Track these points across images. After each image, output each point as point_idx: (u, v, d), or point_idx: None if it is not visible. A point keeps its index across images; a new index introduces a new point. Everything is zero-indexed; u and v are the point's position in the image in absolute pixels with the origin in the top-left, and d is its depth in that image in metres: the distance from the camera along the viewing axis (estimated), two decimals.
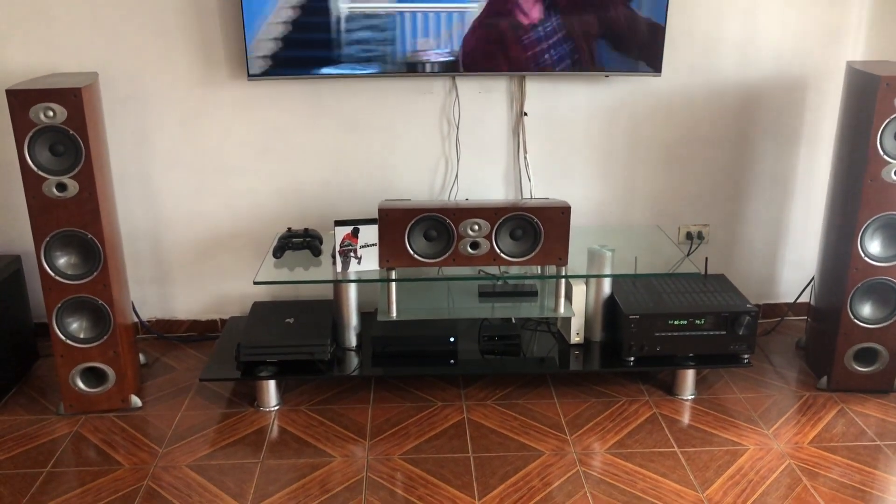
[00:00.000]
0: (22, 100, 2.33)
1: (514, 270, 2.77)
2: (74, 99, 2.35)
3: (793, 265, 3.23)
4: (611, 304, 2.78)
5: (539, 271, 2.81)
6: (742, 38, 2.93)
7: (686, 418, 2.60)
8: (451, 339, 2.77)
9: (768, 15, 2.90)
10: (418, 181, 3.06)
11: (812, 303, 2.91)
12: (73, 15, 2.78)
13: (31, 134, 2.36)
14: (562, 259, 2.59)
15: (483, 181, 3.07)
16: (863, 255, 2.56)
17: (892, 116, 2.41)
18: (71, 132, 2.37)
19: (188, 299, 3.16)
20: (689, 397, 2.72)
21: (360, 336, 2.85)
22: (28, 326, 2.98)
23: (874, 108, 2.41)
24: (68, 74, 2.68)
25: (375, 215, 2.92)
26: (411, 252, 2.58)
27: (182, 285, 3.14)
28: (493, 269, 2.72)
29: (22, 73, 2.79)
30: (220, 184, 3.01)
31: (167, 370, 2.94)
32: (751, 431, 2.53)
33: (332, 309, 2.85)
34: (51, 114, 2.35)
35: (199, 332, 3.20)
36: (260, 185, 3.02)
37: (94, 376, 2.62)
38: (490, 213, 2.55)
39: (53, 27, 2.79)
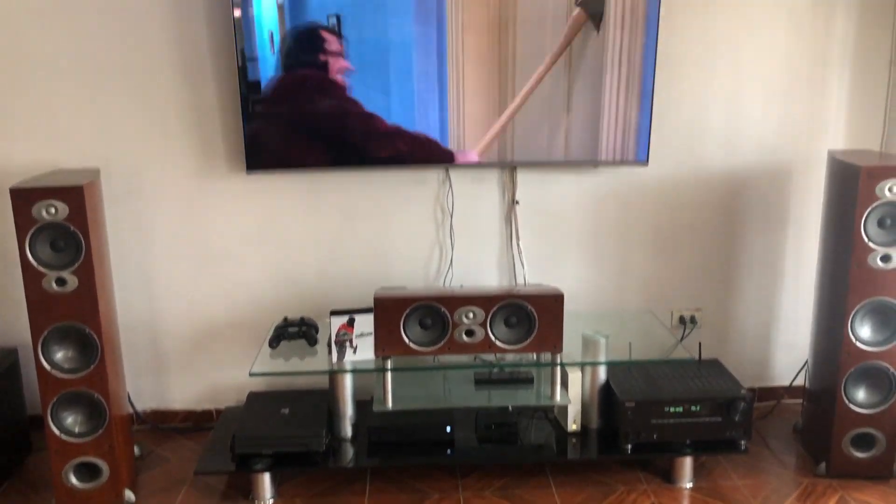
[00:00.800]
0: (25, 198, 2.38)
1: (509, 357, 2.79)
2: (76, 196, 2.40)
3: (786, 347, 3.25)
4: (607, 391, 2.79)
5: (534, 358, 2.82)
6: (726, 127, 3.02)
7: None
8: (448, 429, 2.76)
9: (751, 105, 3.01)
10: (414, 268, 3.10)
11: (807, 386, 2.92)
12: (76, 112, 2.86)
13: (32, 231, 2.40)
14: (556, 346, 2.61)
15: (477, 267, 3.12)
16: (854, 339, 2.58)
17: (874, 204, 2.48)
18: (72, 228, 2.42)
19: (184, 389, 3.16)
20: (688, 485, 2.70)
21: (355, 426, 2.84)
22: (22, 419, 2.96)
23: (856, 196, 2.48)
24: (70, 171, 2.74)
25: (371, 303, 2.96)
26: (407, 341, 2.60)
27: (178, 375, 3.14)
28: (488, 357, 2.73)
29: (25, 169, 2.86)
30: (217, 274, 3.04)
31: (162, 462, 2.91)
32: None
33: (327, 398, 2.85)
34: (53, 211, 2.40)
35: (194, 423, 3.18)
36: (257, 275, 3.06)
37: (88, 471, 2.60)
38: (484, 301, 2.58)
39: (57, 124, 2.87)
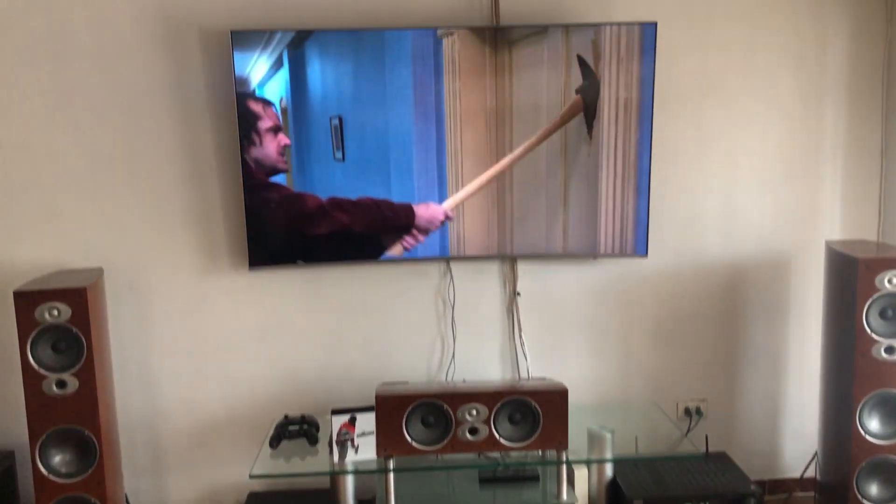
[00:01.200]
0: (29, 301, 2.39)
1: (513, 454, 2.74)
2: (79, 298, 2.41)
3: (794, 437, 3.20)
4: (614, 488, 2.73)
5: (539, 454, 2.77)
6: (723, 218, 3.06)
7: None
8: None
9: (746, 196, 3.05)
10: (415, 361, 3.09)
11: (818, 478, 2.87)
12: (80, 210, 2.90)
13: (34, 333, 2.40)
14: (562, 443, 2.57)
15: (479, 360, 3.10)
16: (863, 433, 2.55)
17: (874, 296, 2.49)
18: (74, 330, 2.42)
19: (183, 489, 3.09)
20: None
21: None
22: None
23: (856, 288, 2.49)
24: (74, 271, 2.76)
25: (371, 399, 2.93)
26: (409, 440, 2.56)
27: (177, 475, 3.08)
28: (492, 453, 2.69)
29: (30, 270, 2.88)
30: (218, 370, 3.03)
31: None
32: None
33: (329, 499, 2.79)
34: (55, 313, 2.41)
35: None
36: (257, 371, 3.04)
37: None
38: (487, 398, 2.56)
39: (61, 223, 2.90)
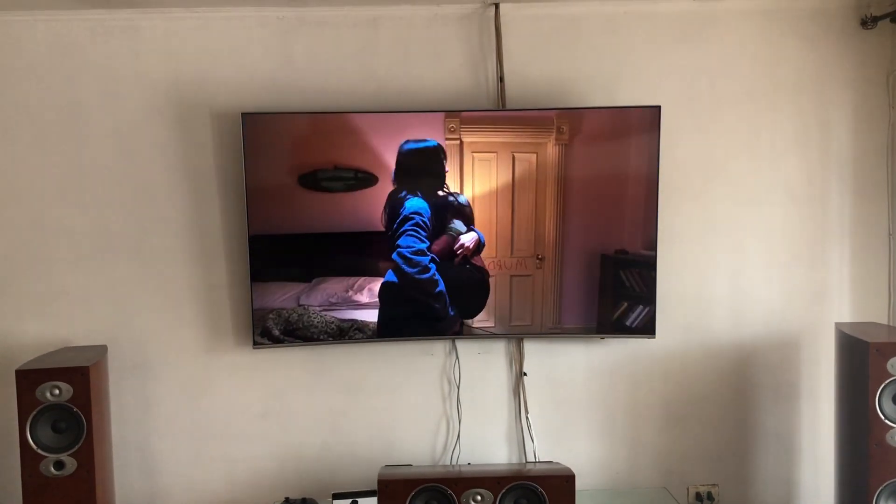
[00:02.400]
0: (30, 379, 2.38)
1: None
2: (81, 377, 2.40)
3: None
4: None
5: None
6: (731, 299, 3.04)
7: None
8: None
9: (753, 277, 3.04)
10: (420, 443, 3.03)
11: None
12: (86, 289, 2.91)
13: (34, 413, 2.38)
14: None
15: (485, 442, 3.04)
16: None
17: (886, 381, 2.44)
18: (75, 409, 2.40)
19: None
20: None
21: None
22: None
23: (868, 373, 2.45)
24: (78, 349, 2.75)
25: (375, 481, 2.87)
26: None
27: None
28: None
29: (35, 347, 2.87)
30: (218, 450, 2.98)
31: None
32: None
33: None
34: (57, 392, 2.39)
35: None
36: (259, 451, 2.99)
37: None
38: (493, 483, 2.51)
39: (67, 301, 2.91)
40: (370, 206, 2.81)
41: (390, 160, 2.79)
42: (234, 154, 2.86)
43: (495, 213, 2.86)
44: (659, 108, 2.81)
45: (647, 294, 2.89)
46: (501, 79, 2.92)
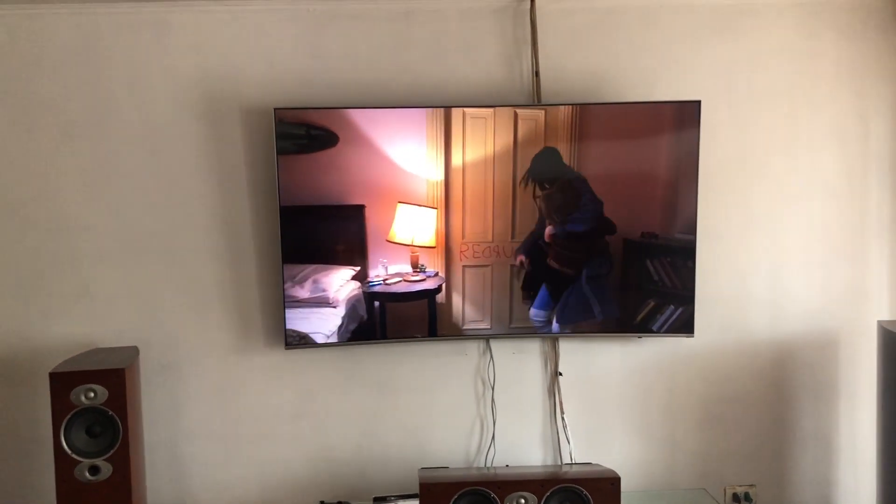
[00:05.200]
0: (64, 382, 2.32)
1: None
2: (117, 380, 2.34)
3: None
4: None
5: None
6: (769, 297, 2.99)
7: None
8: None
9: (792, 274, 2.99)
10: (454, 444, 2.98)
11: None
12: (114, 289, 2.85)
13: (69, 416, 2.32)
14: None
15: (520, 443, 2.99)
16: None
17: None
18: (110, 413, 2.34)
19: None
20: None
21: None
22: None
23: None
24: (108, 350, 2.69)
25: (409, 484, 2.82)
26: None
27: None
28: None
29: (62, 348, 2.80)
30: (250, 453, 2.92)
31: None
32: None
33: None
34: (92, 395, 2.33)
35: None
36: (291, 453, 2.93)
37: None
38: (536, 486, 2.46)
39: (94, 302, 2.84)
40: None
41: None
42: (265, 150, 2.80)
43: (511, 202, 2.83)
44: (699, 103, 2.76)
45: (681, 289, 2.83)
46: (537, 73, 2.87)
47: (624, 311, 2.86)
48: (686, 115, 2.77)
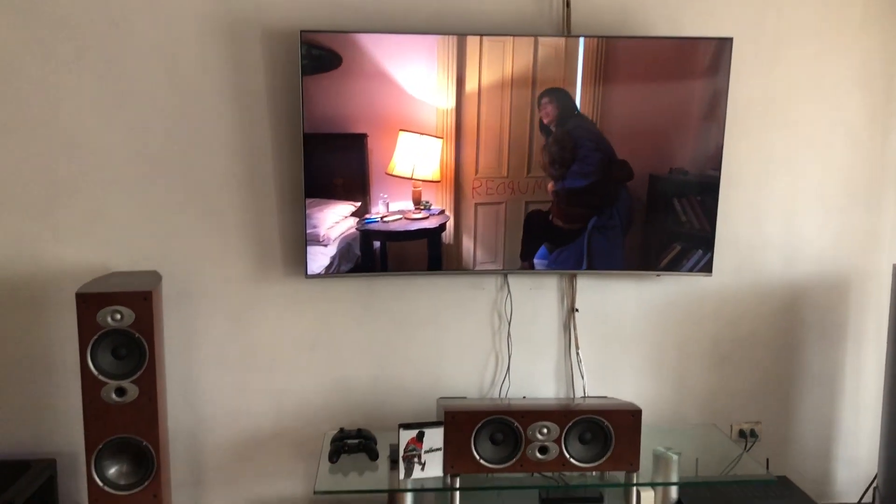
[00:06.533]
0: (91, 303, 2.28)
1: (574, 475, 2.66)
2: (144, 302, 2.31)
3: (847, 464, 3.17)
4: None
5: (599, 475, 2.70)
6: (784, 240, 3.02)
7: None
8: None
9: (808, 218, 3.02)
10: (469, 376, 3.01)
11: None
12: (128, 214, 2.79)
13: (95, 338, 2.29)
14: (633, 465, 2.52)
15: (534, 377, 3.03)
16: None
17: None
18: (136, 335, 2.32)
19: (223, 503, 2.98)
20: None
21: None
22: None
23: None
24: (127, 274, 2.65)
25: (426, 414, 2.85)
26: (478, 457, 2.48)
27: (216, 488, 2.96)
28: (547, 473, 2.61)
29: (76, 272, 2.76)
30: (265, 381, 2.92)
31: None
32: None
33: None
34: (118, 317, 2.30)
35: None
36: (306, 382, 2.94)
37: None
38: (559, 416, 2.49)
39: (108, 226, 2.78)
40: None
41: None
42: (289, 75, 2.74)
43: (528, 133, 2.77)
44: (731, 40, 2.73)
45: (707, 231, 2.84)
46: (567, 4, 2.82)
47: (646, 252, 2.87)
48: (717, 51, 2.74)
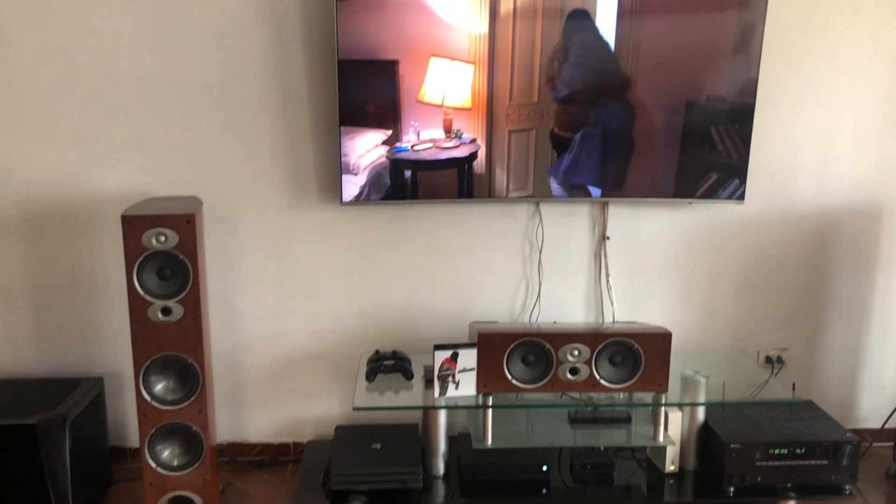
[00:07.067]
0: (136, 226, 2.35)
1: (603, 396, 2.73)
2: (188, 225, 2.37)
3: (871, 391, 3.21)
4: (706, 433, 2.74)
5: (627, 397, 2.76)
6: (818, 167, 3.01)
7: None
8: (544, 468, 2.71)
9: (843, 145, 3.00)
10: (500, 302, 3.07)
11: None
12: (165, 141, 2.84)
13: (140, 259, 2.36)
14: (662, 386, 2.57)
15: (564, 303, 3.08)
16: None
17: None
18: (181, 257, 2.39)
19: (261, 422, 3.09)
20: None
21: (447, 463, 2.78)
22: (104, 451, 2.89)
23: None
24: (168, 199, 2.71)
25: (458, 337, 2.92)
26: (510, 377, 2.55)
27: (255, 407, 3.08)
28: (573, 394, 2.68)
29: (116, 197, 2.83)
30: (301, 305, 3.00)
31: (245, 498, 2.84)
32: None
33: (418, 434, 2.79)
34: (163, 239, 2.37)
35: (270, 456, 3.11)
36: (341, 306, 3.02)
37: None
38: (590, 339, 2.55)
39: (144, 153, 2.84)
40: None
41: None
42: (323, 1, 2.73)
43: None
44: None
45: (742, 158, 2.84)
46: None
47: (682, 180, 2.87)
48: None
